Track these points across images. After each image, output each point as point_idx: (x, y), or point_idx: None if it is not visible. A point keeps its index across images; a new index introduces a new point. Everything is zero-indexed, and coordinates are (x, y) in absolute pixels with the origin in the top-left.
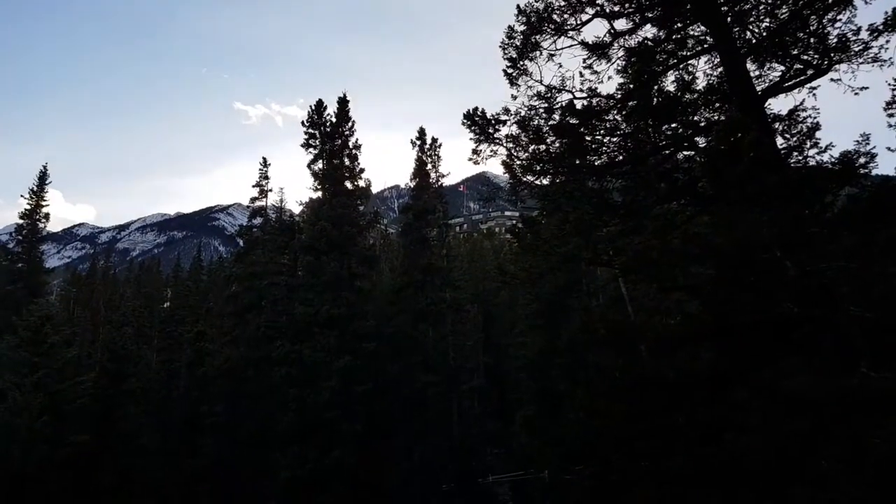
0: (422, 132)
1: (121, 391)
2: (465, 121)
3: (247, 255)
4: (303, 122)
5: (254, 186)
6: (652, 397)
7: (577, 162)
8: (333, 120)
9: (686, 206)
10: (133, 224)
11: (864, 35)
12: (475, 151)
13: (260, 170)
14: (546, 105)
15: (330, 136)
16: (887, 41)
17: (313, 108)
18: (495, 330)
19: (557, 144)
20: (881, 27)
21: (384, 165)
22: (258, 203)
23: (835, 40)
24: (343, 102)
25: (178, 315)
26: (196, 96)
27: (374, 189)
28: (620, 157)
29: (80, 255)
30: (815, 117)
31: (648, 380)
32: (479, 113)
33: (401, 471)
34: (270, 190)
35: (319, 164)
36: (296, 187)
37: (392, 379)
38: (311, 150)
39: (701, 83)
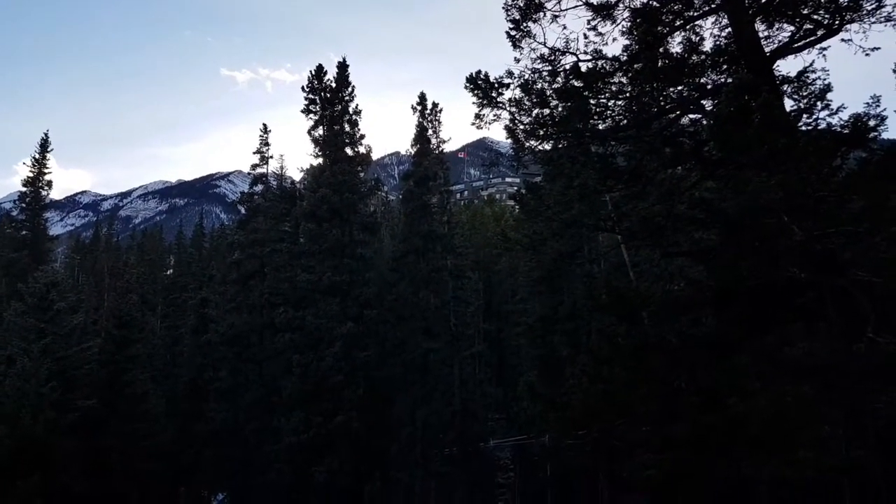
0: (422, 97)
1: (126, 357)
2: (467, 84)
3: (248, 222)
4: (303, 88)
5: (254, 153)
6: (654, 363)
7: (581, 126)
8: (333, 85)
9: (691, 171)
10: (135, 191)
11: None
12: (478, 116)
13: (260, 136)
14: (550, 68)
15: (330, 101)
16: None
17: (313, 73)
18: (496, 297)
19: (561, 108)
20: None
21: (384, 132)
22: (259, 170)
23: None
24: (343, 67)
25: (181, 282)
26: (183, 61)
27: (375, 156)
28: (625, 121)
29: (83, 222)
30: (824, 79)
31: (651, 345)
32: (482, 77)
33: (403, 435)
34: (271, 157)
35: (320, 131)
36: (295, 154)
37: (394, 345)
38: (311, 115)
39: (708, 44)
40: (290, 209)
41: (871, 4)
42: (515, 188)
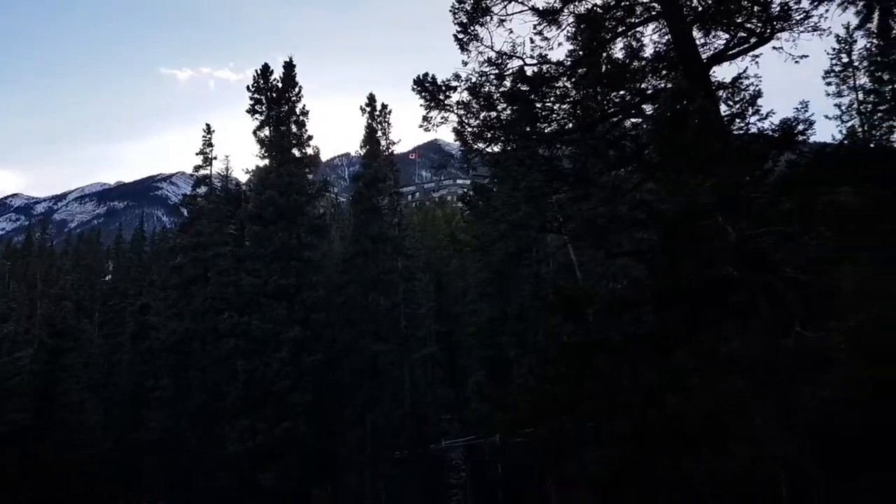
0: (371, 98)
1: (61, 366)
2: (414, 87)
3: (191, 225)
4: (248, 88)
5: (197, 154)
6: (598, 361)
7: (528, 129)
8: (280, 86)
9: (634, 174)
10: (71, 194)
11: (804, 4)
12: (425, 118)
13: (203, 137)
14: (497, 71)
15: (276, 102)
16: (826, 10)
17: (259, 72)
18: (447, 298)
19: (508, 111)
20: None
21: (335, 133)
22: (202, 172)
23: (777, 8)
24: (289, 67)
25: (120, 288)
26: (121, 58)
27: (324, 157)
28: (570, 125)
29: (14, 227)
30: (757, 85)
31: (595, 344)
32: (429, 79)
33: (352, 439)
34: (215, 158)
35: (266, 132)
36: (241, 155)
37: (343, 348)
38: (256, 116)
39: (649, 51)
40: (234, 212)
41: (800, 14)
42: (465, 190)
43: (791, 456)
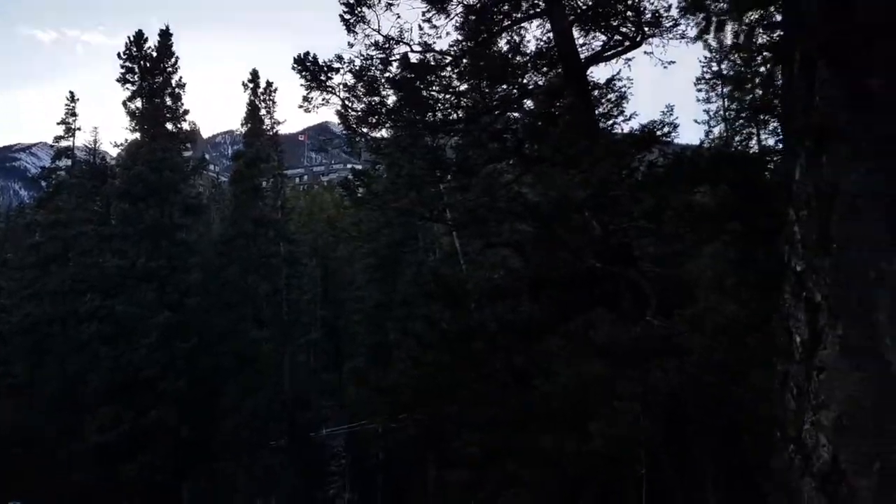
0: (255, 74)
1: None
2: (295, 66)
3: (51, 200)
4: (119, 55)
5: (59, 124)
6: (475, 347)
7: (413, 116)
8: (154, 55)
9: (514, 166)
10: None
11: (674, 12)
12: (306, 98)
13: (66, 105)
14: (383, 56)
15: (150, 72)
16: (693, 20)
17: (132, 39)
18: (335, 284)
19: (394, 97)
20: (684, 5)
21: (218, 109)
22: (64, 143)
23: (649, 15)
24: (166, 35)
25: None
26: None
27: (206, 133)
28: (454, 115)
29: None
30: (629, 87)
31: (472, 330)
32: (310, 58)
33: (228, 427)
34: (79, 128)
35: (138, 103)
36: (111, 128)
37: (220, 334)
38: (128, 86)
39: (531, 47)
40: (100, 187)
41: (669, 22)
42: (347, 175)
43: (648, 436)
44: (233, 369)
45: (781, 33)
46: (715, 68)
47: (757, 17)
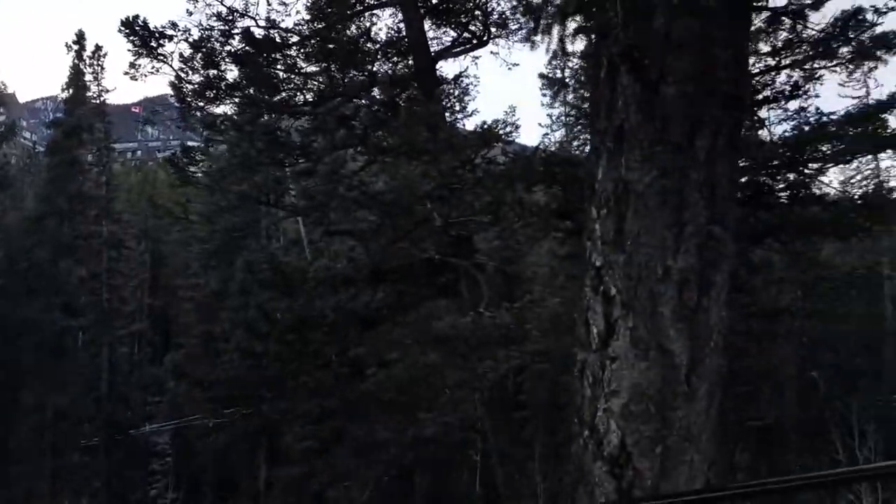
0: (80, 36)
1: None
2: (122, 28)
3: None
4: None
5: None
6: (310, 337)
7: (256, 95)
8: None
9: (361, 154)
10: None
11: (520, 16)
12: (133, 65)
13: None
14: (225, 28)
15: None
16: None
17: None
18: (167, 270)
19: (236, 73)
20: (516, 6)
21: (41, 71)
22: None
23: (496, 16)
24: None
25: None
26: None
27: (24, 97)
28: (301, 97)
29: None
30: (475, 84)
31: (308, 320)
32: (140, 22)
33: (27, 427)
34: None
35: None
36: None
37: (26, 322)
38: None
39: (383, 35)
40: None
41: (516, 25)
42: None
43: (480, 422)
44: (39, 363)
45: (593, 38)
46: (559, 74)
47: (580, 22)
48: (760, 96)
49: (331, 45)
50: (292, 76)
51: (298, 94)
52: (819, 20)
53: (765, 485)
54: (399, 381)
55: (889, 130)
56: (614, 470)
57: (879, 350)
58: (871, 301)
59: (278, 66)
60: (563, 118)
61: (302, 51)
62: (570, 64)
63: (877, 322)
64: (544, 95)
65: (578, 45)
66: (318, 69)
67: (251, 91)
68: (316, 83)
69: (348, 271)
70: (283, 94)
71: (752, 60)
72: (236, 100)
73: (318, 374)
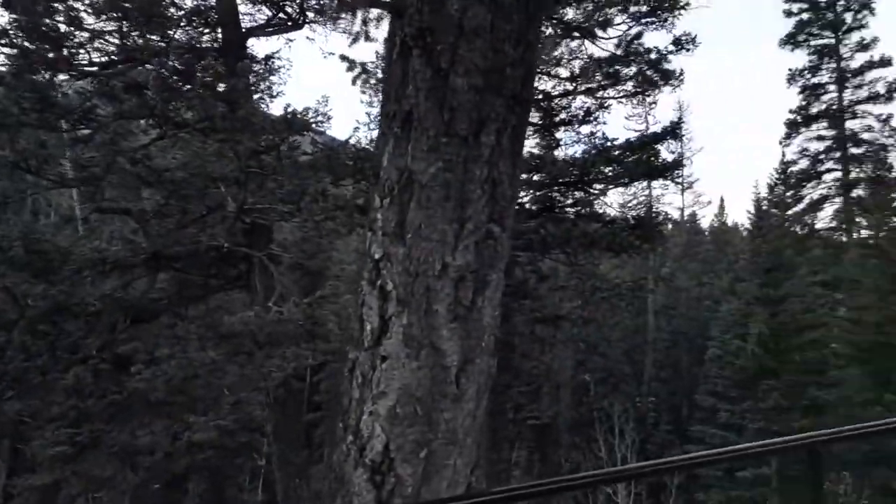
0: None
1: None
2: None
3: None
4: None
5: None
6: (68, 328)
7: (29, 46)
8: None
9: (152, 128)
10: None
11: (335, 4)
12: None
13: None
14: None
15: None
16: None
17: None
18: None
19: (4, 19)
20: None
21: None
22: None
23: (314, 2)
24: None
25: None
26: None
27: None
28: (85, 54)
29: None
30: (287, 67)
31: (67, 308)
32: None
33: None
34: None
35: None
36: None
37: None
38: None
39: (189, 2)
40: None
41: (333, 13)
42: None
43: (263, 420)
44: None
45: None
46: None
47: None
48: (558, 118)
49: (125, 3)
50: (77, 31)
51: (82, 51)
52: (606, 42)
53: (513, 490)
54: (171, 379)
55: (660, 161)
56: (375, 477)
57: (642, 358)
58: (637, 313)
59: (58, 17)
60: (369, 107)
61: (88, 4)
62: (374, 49)
63: (640, 332)
64: (363, 93)
65: (382, 31)
66: (110, 29)
67: (23, 40)
68: (104, 42)
69: (122, 255)
70: (64, 51)
71: (551, 84)
72: (5, 50)
73: (75, 371)
